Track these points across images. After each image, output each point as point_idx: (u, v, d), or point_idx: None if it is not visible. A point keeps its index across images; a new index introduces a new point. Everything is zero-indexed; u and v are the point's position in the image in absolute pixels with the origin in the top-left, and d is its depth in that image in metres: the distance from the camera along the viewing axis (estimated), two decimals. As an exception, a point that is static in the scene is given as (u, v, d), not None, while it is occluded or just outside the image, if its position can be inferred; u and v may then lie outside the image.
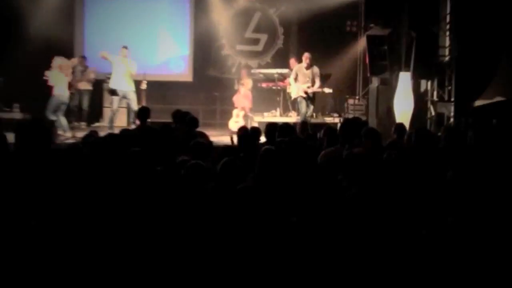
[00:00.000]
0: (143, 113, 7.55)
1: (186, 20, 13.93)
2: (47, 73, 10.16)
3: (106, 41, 12.25)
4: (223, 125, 11.73)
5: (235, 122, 11.64)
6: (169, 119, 7.71)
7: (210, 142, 6.22)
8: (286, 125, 6.55)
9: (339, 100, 13.14)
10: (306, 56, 10.82)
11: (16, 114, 10.81)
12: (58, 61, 10.16)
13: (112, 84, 10.72)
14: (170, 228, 3.52)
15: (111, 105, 10.92)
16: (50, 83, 10.09)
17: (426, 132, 5.67)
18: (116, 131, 7.50)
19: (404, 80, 10.59)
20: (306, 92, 10.79)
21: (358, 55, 12.92)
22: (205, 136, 6.61)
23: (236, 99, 12.06)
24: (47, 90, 10.15)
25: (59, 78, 10.08)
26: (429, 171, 4.52)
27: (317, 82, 10.85)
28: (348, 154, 4.28)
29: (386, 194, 3.88)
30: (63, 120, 10.15)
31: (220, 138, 9.68)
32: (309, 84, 10.81)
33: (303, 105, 10.84)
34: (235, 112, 11.81)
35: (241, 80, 12.35)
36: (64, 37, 12.46)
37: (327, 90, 11.18)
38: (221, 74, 13.83)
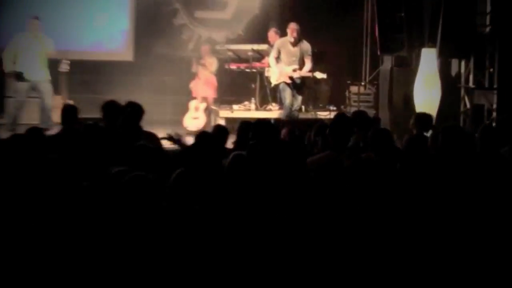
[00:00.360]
0: (68, 113, 7.44)
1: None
2: None
3: (10, 7, 12.15)
4: (176, 122, 11.71)
5: (194, 119, 11.65)
6: (99, 115, 7.67)
7: (159, 146, 6.21)
8: (262, 121, 6.57)
9: (338, 87, 13.20)
10: (292, 27, 10.84)
11: None
12: None
13: (19, 66, 10.63)
14: (101, 265, 3.51)
15: (15, 94, 10.84)
16: None
17: (459, 131, 5.72)
18: (22, 130, 7.42)
19: (428, 59, 10.69)
20: (291, 77, 10.83)
21: (364, 26, 13.02)
22: (153, 138, 6.58)
23: (194, 86, 12.06)
24: None
25: None
26: (463, 184, 4.56)
27: (308, 63, 10.89)
28: (355, 161, 4.32)
29: (402, 217, 3.91)
30: None
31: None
32: (296, 66, 10.84)
33: (287, 95, 10.85)
34: (193, 104, 11.81)
35: (201, 59, 12.36)
36: None
37: (321, 74, 11.21)
38: (173, 52, 13.80)
